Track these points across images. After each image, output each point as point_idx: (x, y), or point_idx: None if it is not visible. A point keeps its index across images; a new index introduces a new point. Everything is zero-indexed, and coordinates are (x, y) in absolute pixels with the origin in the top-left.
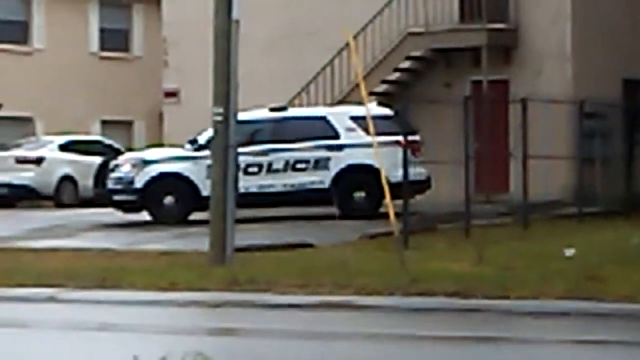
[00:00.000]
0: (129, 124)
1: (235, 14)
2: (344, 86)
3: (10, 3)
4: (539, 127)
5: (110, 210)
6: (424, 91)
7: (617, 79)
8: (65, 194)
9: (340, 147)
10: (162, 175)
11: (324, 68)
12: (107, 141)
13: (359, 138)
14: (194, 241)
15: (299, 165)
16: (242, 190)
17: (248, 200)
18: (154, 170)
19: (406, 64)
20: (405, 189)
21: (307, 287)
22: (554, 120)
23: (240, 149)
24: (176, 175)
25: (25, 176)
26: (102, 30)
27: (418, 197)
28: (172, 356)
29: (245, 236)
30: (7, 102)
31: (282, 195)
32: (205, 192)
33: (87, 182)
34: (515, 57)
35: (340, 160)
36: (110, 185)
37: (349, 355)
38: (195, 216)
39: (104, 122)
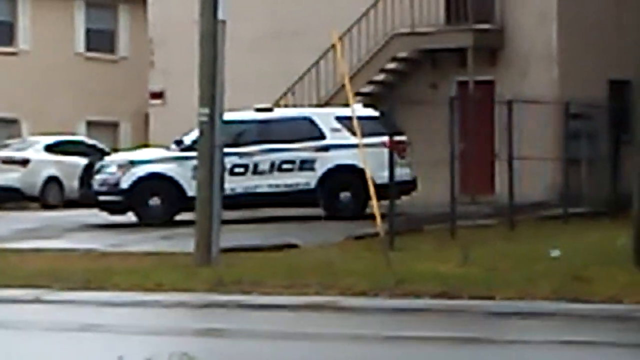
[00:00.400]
0: (114, 125)
1: (221, 15)
2: (330, 87)
3: None
4: (524, 128)
5: (95, 211)
6: (410, 92)
7: (603, 80)
8: (50, 195)
9: (326, 148)
10: (148, 176)
11: (310, 69)
12: (90, 141)
13: (344, 139)
14: (179, 242)
15: (284, 166)
16: (228, 191)
17: (234, 201)
18: (139, 171)
19: (392, 65)
20: (391, 189)
21: (293, 287)
22: (540, 121)
23: (226, 150)
24: (162, 176)
25: (11, 177)
26: (88, 31)
27: (404, 198)
28: (158, 357)
29: (231, 237)
30: None
31: (268, 196)
32: (191, 193)
33: (72, 183)
34: (501, 58)
35: (326, 161)
36: (96, 186)
37: (334, 356)
38: (181, 217)
39: (90, 123)
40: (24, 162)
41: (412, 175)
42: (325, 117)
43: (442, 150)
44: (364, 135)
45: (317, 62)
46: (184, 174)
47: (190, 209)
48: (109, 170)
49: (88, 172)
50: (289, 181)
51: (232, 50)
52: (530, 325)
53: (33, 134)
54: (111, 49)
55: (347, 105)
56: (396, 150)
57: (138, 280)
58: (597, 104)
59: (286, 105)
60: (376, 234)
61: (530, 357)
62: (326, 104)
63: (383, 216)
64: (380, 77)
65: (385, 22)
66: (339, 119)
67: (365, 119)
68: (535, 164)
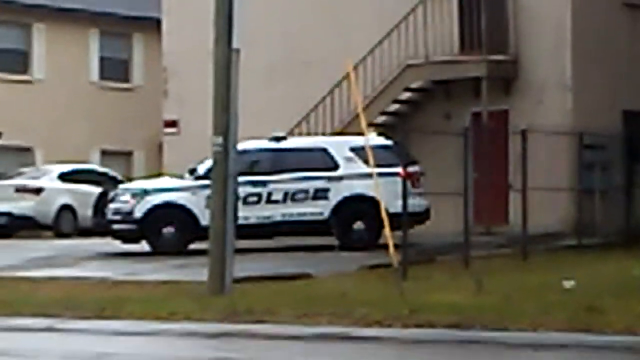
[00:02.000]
0: (128, 153)
1: (235, 43)
2: (344, 116)
3: (10, 33)
4: (538, 158)
5: (109, 239)
6: (424, 122)
7: (617, 111)
8: (64, 223)
9: (339, 178)
10: (162, 205)
11: (324, 98)
12: (101, 169)
13: (358, 169)
14: (193, 271)
15: (298, 196)
16: (241, 220)
17: (247, 230)
18: (153, 200)
19: (405, 95)
20: (404, 220)
21: (306, 317)
22: (554, 151)
23: (240, 179)
24: (175, 205)
25: (25, 206)
26: (102, 60)
27: (417, 228)
28: None
29: (244, 266)
30: (7, 131)
31: (281, 225)
32: (204, 222)
33: (86, 212)
34: (515, 88)
35: (339, 191)
36: (109, 215)
37: None
38: (194, 246)
39: (104, 152)
40: (38, 191)
41: (426, 205)
42: (339, 147)
43: (455, 181)
44: (377, 165)
45: (331, 91)
46: (197, 203)
47: (203, 238)
48: (122, 199)
49: (102, 201)
50: (303, 210)
51: (246, 79)
52: (544, 357)
53: (47, 163)
54: (125, 78)
55: (361, 134)
56: (410, 180)
57: (151, 309)
58: (611, 135)
59: (300, 135)
60: (389, 264)
61: None
62: (340, 134)
63: (396, 246)
64: (394, 107)
65: (399, 52)
66: (353, 149)
67: (379, 149)
68: (548, 194)
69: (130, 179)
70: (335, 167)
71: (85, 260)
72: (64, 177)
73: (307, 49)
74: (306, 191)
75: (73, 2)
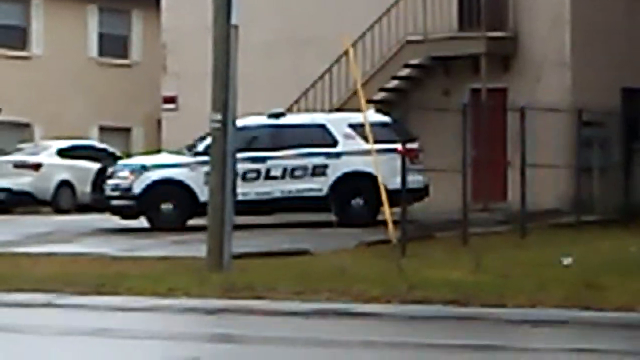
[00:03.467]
0: (127, 129)
1: (234, 20)
2: (343, 93)
3: (8, 8)
4: (537, 135)
5: (107, 215)
6: (423, 99)
7: (616, 88)
8: (63, 199)
9: (338, 155)
10: (160, 182)
11: (322, 75)
12: (100, 145)
13: (357, 145)
14: (191, 247)
15: (297, 172)
16: (240, 196)
17: (246, 206)
18: (152, 176)
19: (405, 72)
20: (403, 196)
21: (305, 294)
22: (552, 129)
23: (239, 155)
24: (174, 182)
25: (24, 182)
26: (101, 36)
27: (416, 205)
28: None
29: (243, 243)
30: (6, 108)
31: (280, 201)
32: (203, 199)
33: (85, 188)
34: (514, 65)
35: (338, 168)
36: (108, 191)
37: None
38: (193, 222)
39: (102, 128)
40: (37, 167)
41: (425, 182)
42: (337, 124)
43: (454, 157)
44: (376, 141)
45: (330, 68)
46: (196, 179)
47: (202, 214)
48: (121, 175)
49: (100, 177)
50: (302, 187)
51: (245, 55)
52: (542, 333)
53: (45, 139)
54: (124, 54)
55: (359, 111)
56: (408, 156)
57: (150, 285)
58: (609, 112)
59: (299, 111)
60: (388, 241)
61: None
62: (339, 110)
63: (395, 223)
64: (393, 84)
65: (397, 28)
66: (351, 125)
67: (377, 126)
68: (547, 171)
69: (129, 155)
70: (334, 143)
71: (83, 236)
72: (62, 153)
73: (306, 25)
74: (305, 167)
75: None
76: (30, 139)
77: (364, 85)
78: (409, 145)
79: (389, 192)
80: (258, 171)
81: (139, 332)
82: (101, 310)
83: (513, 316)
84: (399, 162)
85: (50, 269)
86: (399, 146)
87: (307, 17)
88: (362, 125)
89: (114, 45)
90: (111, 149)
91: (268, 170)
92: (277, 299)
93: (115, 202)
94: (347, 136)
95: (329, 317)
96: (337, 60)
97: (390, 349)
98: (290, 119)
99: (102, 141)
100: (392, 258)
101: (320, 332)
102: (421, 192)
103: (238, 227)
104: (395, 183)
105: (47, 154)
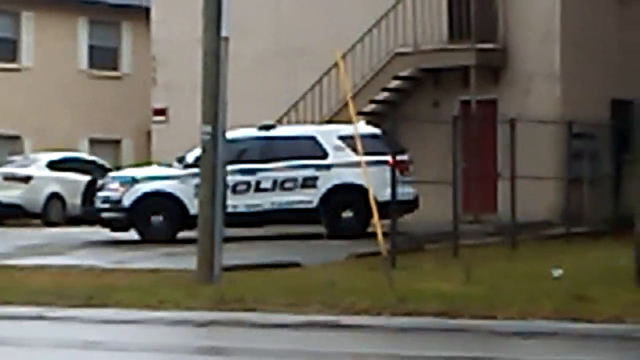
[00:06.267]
0: (117, 142)
1: (224, 32)
2: (333, 105)
3: None
4: (527, 147)
5: (98, 228)
6: (413, 111)
7: (605, 100)
8: (53, 212)
9: (328, 167)
10: (151, 194)
11: (313, 86)
12: (89, 157)
13: (347, 157)
14: (181, 260)
15: (287, 184)
16: (230, 208)
17: (236, 219)
18: (142, 188)
19: (395, 84)
20: (393, 208)
21: (295, 306)
22: (542, 141)
23: (229, 167)
24: (164, 194)
25: (13, 194)
26: (91, 48)
27: (406, 217)
28: None
29: (233, 255)
30: None
31: (270, 213)
32: (193, 211)
33: (75, 200)
34: (504, 77)
35: (328, 180)
36: (98, 203)
37: None
38: (183, 234)
39: (92, 140)
40: (26, 179)
41: (415, 194)
42: (328, 136)
43: (444, 169)
44: (366, 153)
45: (320, 80)
46: (186, 192)
47: (192, 226)
48: (111, 187)
49: (91, 189)
50: (292, 199)
51: (235, 67)
52: (532, 345)
53: (35, 151)
54: (114, 66)
55: (350, 123)
56: (399, 168)
57: (140, 297)
58: (599, 124)
59: (289, 123)
60: (378, 253)
61: None
62: (329, 122)
63: (385, 235)
64: (383, 96)
65: (388, 40)
66: (342, 137)
67: (367, 138)
68: (537, 183)
69: (118, 168)
70: (324, 155)
71: (74, 249)
72: (52, 165)
73: (297, 37)
74: (295, 179)
75: None
76: (20, 151)
77: (354, 97)
78: (399, 157)
79: (379, 204)
80: (248, 183)
81: (129, 344)
82: (92, 323)
83: (503, 328)
84: (389, 174)
85: (40, 281)
86: (389, 158)
87: (298, 29)
88: (352, 137)
89: (104, 57)
90: (101, 161)
91: (258, 183)
92: (267, 311)
93: (105, 215)
94: (337, 148)
95: (319, 330)
96: (327, 72)
97: None
98: (280, 131)
99: (92, 153)
100: (382, 270)
101: (310, 345)
102: (411, 204)
103: (228, 240)
104: (386, 195)
105: (37, 166)
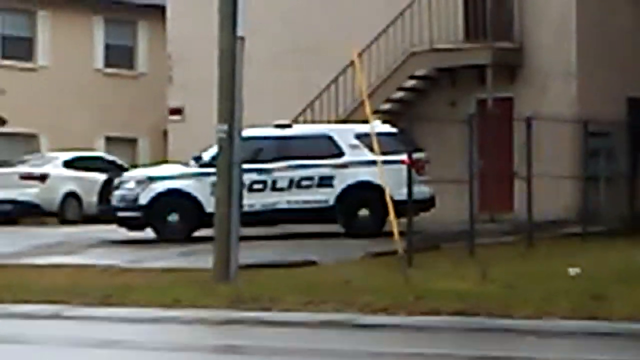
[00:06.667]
0: (133, 140)
1: (240, 31)
2: (349, 104)
3: (15, 20)
4: (543, 145)
5: (114, 227)
6: (429, 110)
7: (621, 98)
8: (69, 210)
9: (344, 165)
10: (167, 193)
11: (328, 85)
12: (109, 157)
13: (363, 156)
14: (198, 258)
15: (303, 183)
16: (246, 207)
17: (252, 217)
18: (158, 187)
19: (410, 83)
20: (409, 207)
21: (311, 304)
22: (559, 139)
23: (245, 166)
24: (181, 193)
25: (30, 192)
26: (107, 47)
27: (422, 216)
28: None
29: (249, 254)
30: (12, 119)
31: (286, 212)
32: (209, 209)
33: (91, 199)
34: (520, 76)
35: (344, 178)
36: (114, 202)
37: None
38: (199, 233)
39: (108, 139)
40: (43, 178)
41: (431, 193)
42: (344, 134)
43: (460, 168)
44: (382, 152)
45: (336, 79)
46: (202, 190)
47: (208, 225)
48: (127, 186)
49: (107, 188)
50: (308, 198)
51: (251, 66)
52: (548, 343)
53: (52, 150)
54: (130, 65)
55: (366, 121)
56: (415, 167)
57: (156, 296)
58: (615, 122)
59: (305, 122)
60: (394, 252)
61: None
62: (345, 121)
63: (401, 233)
64: (399, 95)
65: (403, 39)
66: (358, 136)
67: (384, 136)
68: (553, 181)
69: (135, 166)
70: (340, 154)
71: (90, 248)
72: (68, 164)
73: (312, 36)
74: (311, 178)
75: None
76: (37, 150)
77: (369, 96)
78: (415, 156)
79: (395, 203)
80: (264, 182)
81: (145, 343)
82: (108, 322)
83: (520, 327)
84: (405, 173)
85: (57, 280)
86: (405, 157)
87: (313, 28)
88: (368, 136)
89: (119, 56)
90: (117, 160)
91: (274, 181)
92: (283, 310)
93: (121, 214)
94: (353, 147)
95: (335, 328)
96: (343, 71)
97: None
98: (296, 130)
99: (108, 152)
100: (398, 269)
101: (326, 343)
102: (427, 203)
103: (244, 238)
104: (402, 194)
105: (53, 165)
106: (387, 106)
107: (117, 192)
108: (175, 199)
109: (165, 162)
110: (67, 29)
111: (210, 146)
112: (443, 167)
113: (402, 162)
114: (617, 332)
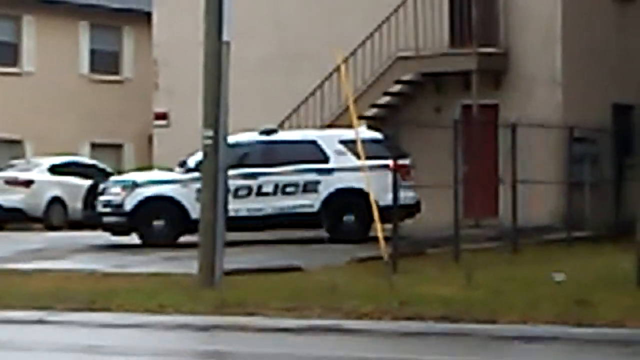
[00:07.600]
0: (118, 146)
1: (225, 36)
2: (334, 109)
3: (0, 25)
4: (528, 151)
5: (99, 232)
6: (414, 115)
7: (607, 104)
8: (54, 216)
9: (329, 171)
10: (152, 198)
11: (314, 90)
12: (89, 162)
13: (348, 162)
14: (183, 264)
15: (288, 189)
16: (231, 213)
17: (238, 223)
18: (143, 192)
19: (396, 88)
20: (394, 212)
21: (296, 310)
22: (544, 145)
23: (230, 172)
24: (166, 198)
25: (15, 198)
26: (92, 52)
27: (407, 221)
28: None
29: (234, 259)
30: None
31: (271, 218)
32: (194, 215)
33: (76, 204)
34: (505, 82)
35: (329, 184)
36: (99, 207)
37: None
38: (184, 239)
39: (94, 145)
40: (28, 183)
41: (416, 198)
42: (329, 140)
43: (446, 174)
44: (367, 158)
45: (321, 84)
46: (187, 196)
47: (193, 230)
48: (113, 191)
49: (92, 193)
50: (293, 203)
51: (236, 71)
52: (533, 349)
53: (37, 155)
54: (115, 70)
55: (351, 127)
56: (400, 172)
57: (141, 301)
58: (600, 128)
59: (291, 127)
60: (379, 257)
61: None
62: (330, 126)
63: (386, 239)
64: (384, 100)
65: (389, 44)
66: (343, 142)
67: (369, 142)
68: (538, 187)
69: (120, 172)
70: (326, 159)
71: (75, 253)
72: (54, 169)
73: (298, 41)
74: (296, 184)
75: None
76: (22, 156)
77: (355, 101)
78: (400, 162)
79: (381, 209)
80: (249, 187)
81: (130, 348)
82: (93, 327)
83: (504, 332)
84: (390, 178)
85: (41, 285)
86: (390, 162)
87: (299, 33)
88: (353, 142)
89: (105, 62)
90: (102, 166)
91: (260, 187)
92: (268, 315)
93: (106, 219)
94: (338, 152)
95: (321, 334)
96: (329, 77)
97: None
98: (281, 136)
99: (93, 158)
100: (383, 274)
101: (311, 349)
102: (413, 209)
103: (229, 244)
104: (387, 199)
105: (38, 170)
106: (372, 111)
107: (102, 198)
108: (160, 204)
109: (151, 167)
110: (53, 34)
111: (196, 151)
112: (428, 172)
113: (387, 167)
114: (601, 337)
